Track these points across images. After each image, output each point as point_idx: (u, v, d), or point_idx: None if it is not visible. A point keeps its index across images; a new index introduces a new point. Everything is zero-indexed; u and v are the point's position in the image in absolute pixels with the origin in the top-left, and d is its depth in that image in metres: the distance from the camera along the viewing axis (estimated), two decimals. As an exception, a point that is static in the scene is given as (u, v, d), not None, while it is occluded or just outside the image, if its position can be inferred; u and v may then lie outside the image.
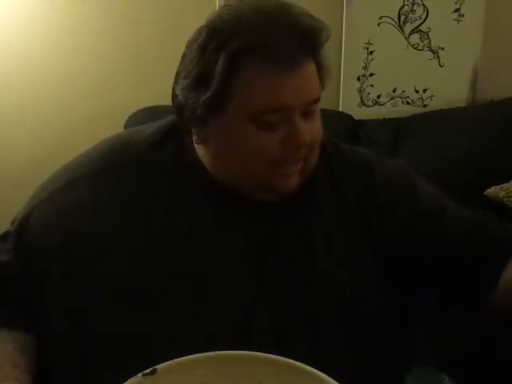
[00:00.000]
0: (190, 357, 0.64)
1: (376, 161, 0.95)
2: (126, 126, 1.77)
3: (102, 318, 0.83)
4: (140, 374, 0.61)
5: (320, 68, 0.84)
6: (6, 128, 1.96)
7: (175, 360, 0.63)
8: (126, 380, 0.60)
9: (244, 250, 0.86)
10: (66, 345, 0.85)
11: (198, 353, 0.65)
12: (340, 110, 2.07)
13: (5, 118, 1.95)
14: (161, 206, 0.87)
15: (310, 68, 0.81)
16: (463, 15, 2.06)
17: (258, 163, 0.82)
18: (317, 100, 0.84)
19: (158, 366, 0.62)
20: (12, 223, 0.91)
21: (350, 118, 1.99)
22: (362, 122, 2.00)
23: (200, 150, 0.88)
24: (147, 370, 0.61)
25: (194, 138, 0.87)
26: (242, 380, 0.63)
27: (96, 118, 1.94)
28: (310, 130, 0.82)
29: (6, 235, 0.91)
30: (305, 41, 0.79)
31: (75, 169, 0.93)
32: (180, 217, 0.87)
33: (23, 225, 0.89)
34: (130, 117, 1.79)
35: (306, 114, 0.82)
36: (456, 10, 2.05)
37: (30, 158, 1.96)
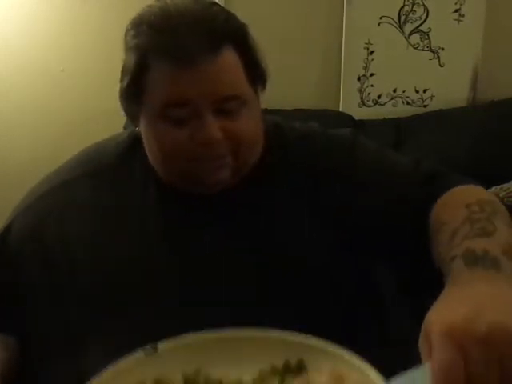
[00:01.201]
0: (192, 335, 0.63)
1: (315, 132, 0.97)
2: (125, 126, 1.76)
3: (83, 318, 0.84)
4: (141, 351, 0.60)
5: (246, 66, 0.85)
6: (5, 128, 1.96)
7: (177, 338, 0.63)
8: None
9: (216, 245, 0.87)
10: (54, 344, 0.86)
11: None
12: (340, 110, 2.07)
13: (5, 118, 1.95)
14: (131, 208, 0.89)
15: (218, 63, 0.81)
16: (463, 15, 2.06)
17: (176, 158, 0.84)
18: (233, 96, 0.83)
19: (159, 344, 0.61)
20: None
21: (351, 118, 1.99)
22: (362, 122, 2.00)
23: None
24: (148, 347, 0.61)
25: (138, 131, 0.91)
26: (247, 361, 0.62)
27: (96, 118, 1.94)
28: (228, 129, 0.82)
29: None
30: (211, 39, 0.80)
31: (52, 178, 0.95)
32: (151, 219, 0.88)
33: (5, 235, 0.90)
34: (130, 117, 1.79)
35: (223, 111, 0.82)
36: (456, 10, 2.06)
37: (30, 158, 1.96)
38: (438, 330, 0.54)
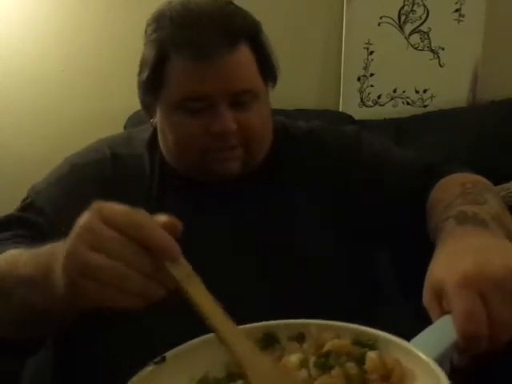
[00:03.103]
0: (197, 339, 0.63)
1: (321, 128, 1.02)
2: (125, 127, 1.77)
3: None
4: (152, 363, 0.61)
5: (259, 62, 0.89)
6: (5, 128, 1.96)
7: (183, 345, 0.63)
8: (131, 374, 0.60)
9: (230, 234, 0.90)
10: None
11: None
12: (340, 110, 2.07)
13: (5, 117, 1.95)
14: (147, 198, 0.91)
15: (234, 59, 0.85)
16: (463, 15, 2.06)
17: (189, 149, 0.88)
18: (247, 91, 0.87)
19: (166, 354, 0.62)
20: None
21: (351, 118, 1.99)
22: (362, 122, 2.00)
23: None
24: (157, 358, 0.61)
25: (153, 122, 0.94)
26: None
27: (96, 118, 1.94)
28: (241, 120, 0.86)
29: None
30: (225, 33, 0.84)
31: (80, 155, 0.97)
32: (164, 209, 0.90)
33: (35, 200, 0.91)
34: (130, 117, 1.79)
35: (238, 104, 0.86)
36: (456, 10, 2.05)
37: (30, 158, 1.96)
38: (452, 282, 0.57)
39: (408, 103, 2.12)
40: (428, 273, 0.62)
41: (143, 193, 0.91)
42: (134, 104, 1.81)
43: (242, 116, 0.87)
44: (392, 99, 2.12)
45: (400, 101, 2.12)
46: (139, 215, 0.57)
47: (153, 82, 0.88)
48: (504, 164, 1.85)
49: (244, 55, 0.87)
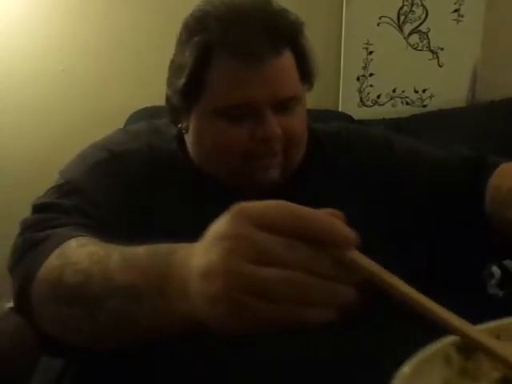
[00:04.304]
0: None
1: (347, 128, 1.00)
2: (125, 127, 1.77)
3: None
4: None
5: (300, 66, 0.86)
6: (6, 128, 1.96)
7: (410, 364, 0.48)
8: None
9: None
10: None
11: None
12: (340, 110, 2.07)
13: (5, 117, 1.95)
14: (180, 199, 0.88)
15: (280, 64, 0.82)
16: (463, 15, 2.06)
17: (231, 155, 0.84)
18: (292, 97, 0.84)
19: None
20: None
21: (350, 118, 1.99)
22: (361, 122, 2.00)
23: (187, 140, 0.91)
24: None
25: (184, 126, 0.90)
26: None
27: (96, 119, 1.94)
28: (283, 125, 0.83)
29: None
30: (271, 38, 0.80)
31: (117, 143, 0.92)
32: (199, 213, 0.87)
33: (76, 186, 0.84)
34: (130, 117, 1.79)
35: (282, 109, 0.84)
36: (455, 11, 2.06)
37: (30, 158, 1.96)
38: None
39: (407, 103, 2.13)
40: None
41: (177, 191, 0.88)
42: (134, 104, 1.83)
43: (285, 121, 0.84)
44: (391, 99, 2.12)
45: (399, 101, 2.12)
46: (294, 207, 0.47)
47: (192, 87, 0.83)
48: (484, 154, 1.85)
49: (288, 59, 0.84)
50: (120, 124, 1.77)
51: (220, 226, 0.48)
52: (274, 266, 0.44)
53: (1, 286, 0.99)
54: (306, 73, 0.88)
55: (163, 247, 0.56)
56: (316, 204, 0.91)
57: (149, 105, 1.81)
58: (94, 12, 1.91)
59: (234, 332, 0.47)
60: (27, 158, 1.97)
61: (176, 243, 0.55)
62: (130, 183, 0.85)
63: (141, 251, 0.58)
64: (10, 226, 0.92)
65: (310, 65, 0.89)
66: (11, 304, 1.06)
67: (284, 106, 0.84)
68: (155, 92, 1.77)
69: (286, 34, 0.83)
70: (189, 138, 0.89)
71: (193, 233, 0.83)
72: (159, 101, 1.76)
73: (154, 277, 0.54)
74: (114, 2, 1.91)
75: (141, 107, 1.82)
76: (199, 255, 0.49)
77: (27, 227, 0.78)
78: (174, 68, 0.86)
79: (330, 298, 0.45)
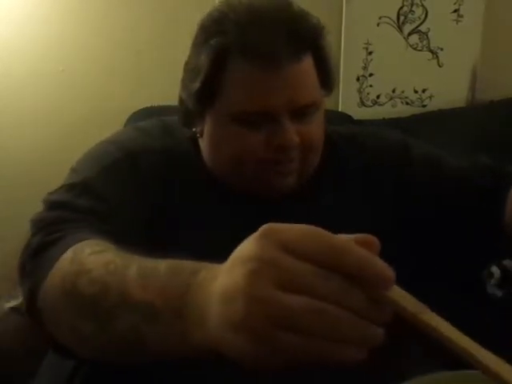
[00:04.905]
0: None
1: (362, 133, 0.98)
2: (125, 127, 1.77)
3: None
4: None
5: (320, 71, 0.84)
6: (5, 128, 1.96)
7: None
8: None
9: None
10: None
11: None
12: (339, 110, 2.07)
13: (5, 118, 1.95)
14: (195, 204, 0.86)
15: (300, 69, 0.80)
16: (462, 16, 2.06)
17: (247, 161, 0.82)
18: (311, 104, 0.82)
19: None
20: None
21: (350, 118, 2.00)
22: (361, 122, 2.00)
23: (201, 144, 0.89)
24: None
25: (198, 130, 0.88)
26: None
27: (96, 119, 1.94)
28: (301, 132, 0.82)
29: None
30: (292, 42, 0.78)
31: (132, 140, 0.89)
32: (214, 219, 0.85)
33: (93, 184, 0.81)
34: (130, 117, 1.79)
35: (300, 115, 0.82)
36: (455, 11, 2.06)
37: (30, 158, 1.96)
38: None
39: (407, 103, 2.13)
40: None
41: (190, 191, 0.86)
42: (134, 104, 1.83)
43: (303, 128, 0.82)
44: (391, 99, 2.12)
45: (399, 101, 2.12)
46: (328, 236, 0.43)
47: (207, 91, 0.81)
48: (504, 164, 1.85)
49: (308, 64, 0.81)
50: (120, 124, 1.77)
51: (247, 246, 0.44)
52: (303, 295, 0.41)
53: (1, 286, 0.99)
54: (325, 78, 0.86)
55: (187, 266, 0.52)
56: (329, 208, 0.87)
57: (149, 105, 1.82)
58: (94, 12, 1.91)
59: (253, 365, 0.43)
60: (27, 158, 1.97)
61: (200, 262, 0.51)
62: (144, 183, 0.83)
63: (161, 267, 0.54)
64: (10, 226, 0.92)
65: (331, 70, 0.86)
66: (11, 304, 1.06)
67: (302, 112, 0.82)
68: (155, 92, 1.78)
69: (307, 38, 0.80)
70: (203, 143, 0.87)
71: (206, 234, 0.82)
72: (159, 101, 1.77)
73: (173, 298, 0.50)
74: (113, 2, 1.91)
75: (141, 107, 1.82)
76: (222, 276, 0.45)
77: (42, 227, 0.75)
78: (189, 70, 0.83)
79: (362, 335, 0.42)
